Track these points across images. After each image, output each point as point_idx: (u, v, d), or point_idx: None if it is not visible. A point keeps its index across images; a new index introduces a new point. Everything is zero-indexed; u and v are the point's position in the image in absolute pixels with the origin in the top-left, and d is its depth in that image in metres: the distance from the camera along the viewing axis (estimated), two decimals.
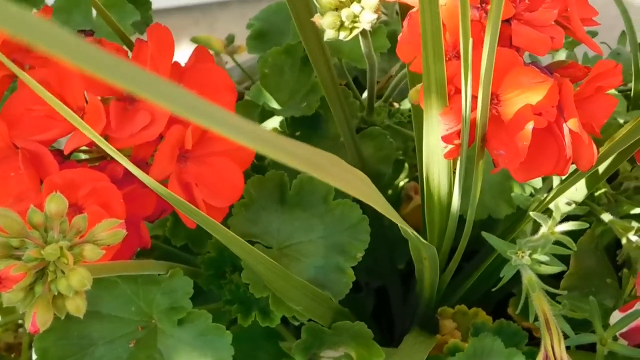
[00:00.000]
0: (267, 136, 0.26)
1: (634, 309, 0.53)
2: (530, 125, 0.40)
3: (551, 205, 0.55)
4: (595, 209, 0.56)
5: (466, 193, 0.55)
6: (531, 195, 0.55)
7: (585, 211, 0.56)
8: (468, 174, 0.47)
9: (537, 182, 0.56)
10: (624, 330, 0.53)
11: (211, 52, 0.70)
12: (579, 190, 0.55)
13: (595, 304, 0.52)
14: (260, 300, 0.49)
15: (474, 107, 0.41)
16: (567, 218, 0.57)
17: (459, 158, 0.43)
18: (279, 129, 0.58)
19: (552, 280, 0.59)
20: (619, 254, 0.56)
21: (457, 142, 0.42)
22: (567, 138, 0.42)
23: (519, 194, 0.55)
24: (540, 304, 0.48)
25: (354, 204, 0.50)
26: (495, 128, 0.42)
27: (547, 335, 0.48)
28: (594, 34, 0.66)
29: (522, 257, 0.49)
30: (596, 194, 0.58)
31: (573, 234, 0.57)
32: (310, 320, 0.50)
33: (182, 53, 0.59)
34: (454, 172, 0.47)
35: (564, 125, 0.42)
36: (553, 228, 0.49)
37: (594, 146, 0.43)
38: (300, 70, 0.55)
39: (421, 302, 0.58)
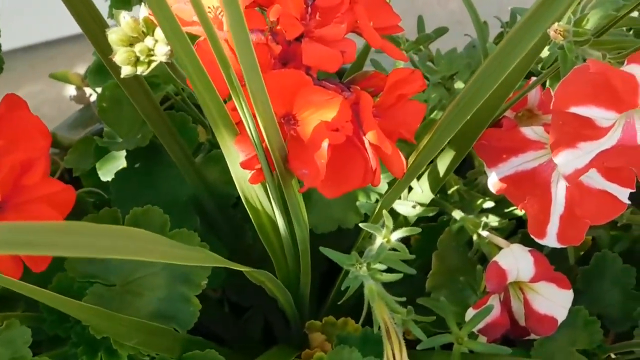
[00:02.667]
0: None
1: (487, 304, 0.53)
2: (325, 143, 0.40)
3: (398, 208, 0.55)
4: (447, 207, 0.56)
5: (310, 210, 0.55)
6: (377, 202, 0.55)
7: (435, 211, 0.56)
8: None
9: (383, 188, 0.56)
10: (480, 326, 0.53)
11: (73, 85, 0.69)
12: (425, 192, 0.55)
13: (447, 303, 0.52)
14: (106, 340, 0.49)
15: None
16: (419, 220, 0.57)
17: (267, 181, 0.43)
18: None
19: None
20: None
21: (258, 167, 0.42)
22: (369, 150, 0.42)
23: (364, 202, 0.54)
24: (381, 313, 0.48)
25: (191, 232, 0.50)
26: (296, 148, 0.42)
27: (387, 343, 0.48)
28: (443, 30, 0.66)
29: (360, 268, 0.49)
30: (449, 191, 0.58)
31: (432, 234, 0.58)
32: (158, 354, 0.49)
33: None
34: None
35: (365, 138, 0.42)
36: (388, 236, 0.49)
37: (400, 154, 0.43)
38: None
39: (289, 319, 0.58)
